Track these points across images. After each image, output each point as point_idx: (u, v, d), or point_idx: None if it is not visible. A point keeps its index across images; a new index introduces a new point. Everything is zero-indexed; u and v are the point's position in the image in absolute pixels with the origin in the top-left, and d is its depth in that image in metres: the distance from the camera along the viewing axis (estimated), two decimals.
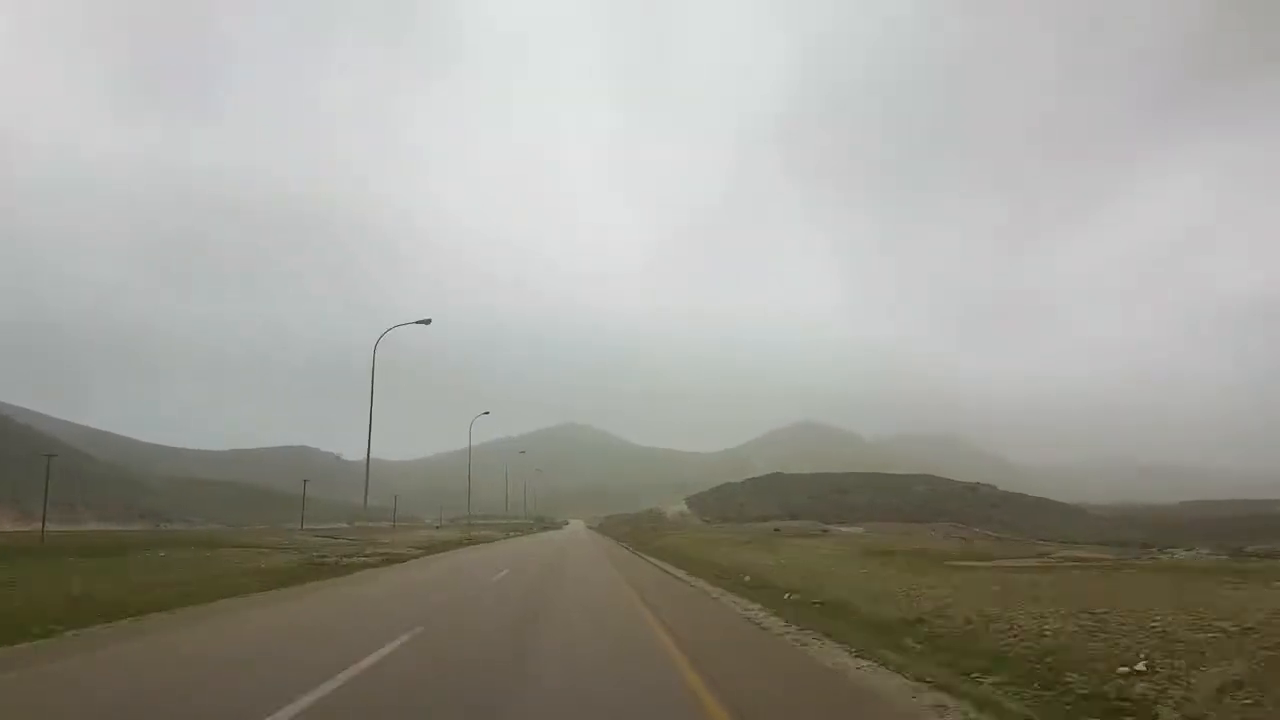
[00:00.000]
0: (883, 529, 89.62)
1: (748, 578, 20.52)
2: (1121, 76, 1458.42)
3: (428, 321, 37.39)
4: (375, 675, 8.04)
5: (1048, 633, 8.91)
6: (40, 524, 63.59)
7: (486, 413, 77.54)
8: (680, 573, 25.63)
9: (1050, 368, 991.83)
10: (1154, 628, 8.15)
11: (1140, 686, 6.82)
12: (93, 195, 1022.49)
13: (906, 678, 8.17)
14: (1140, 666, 7.17)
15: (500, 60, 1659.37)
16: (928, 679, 7.98)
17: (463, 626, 12.55)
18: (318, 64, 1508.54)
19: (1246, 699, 6.01)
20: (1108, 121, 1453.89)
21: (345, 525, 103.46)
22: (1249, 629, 7.50)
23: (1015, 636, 9.14)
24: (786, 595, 16.01)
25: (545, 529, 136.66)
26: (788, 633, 11.74)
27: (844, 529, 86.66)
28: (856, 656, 9.51)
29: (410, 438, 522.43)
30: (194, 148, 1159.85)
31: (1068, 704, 6.93)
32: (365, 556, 30.95)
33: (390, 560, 31.14)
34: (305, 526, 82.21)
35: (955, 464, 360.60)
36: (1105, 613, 9.15)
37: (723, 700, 6.97)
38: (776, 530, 62.91)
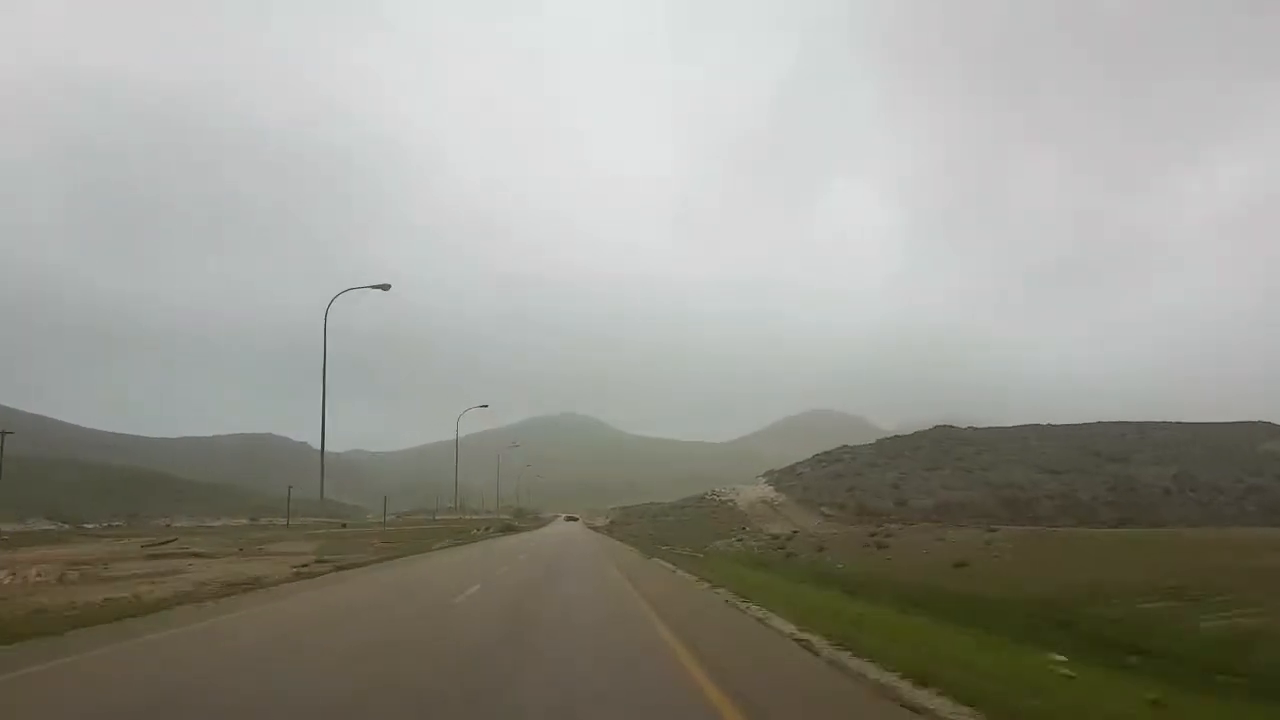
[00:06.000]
0: None
1: None
2: None
3: (386, 287, 31.73)
4: None
5: None
6: None
7: (484, 405, 67.60)
8: None
9: (1111, 340, 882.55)
10: None
11: None
12: None
13: None
14: None
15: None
16: None
17: None
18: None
19: None
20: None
21: (247, 521, 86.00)
22: None
23: None
24: None
25: (511, 530, 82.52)
26: None
27: None
28: None
29: (396, 428, 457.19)
30: (125, 69, 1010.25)
31: None
32: None
33: None
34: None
35: None
36: None
37: None
38: None
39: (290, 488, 75.90)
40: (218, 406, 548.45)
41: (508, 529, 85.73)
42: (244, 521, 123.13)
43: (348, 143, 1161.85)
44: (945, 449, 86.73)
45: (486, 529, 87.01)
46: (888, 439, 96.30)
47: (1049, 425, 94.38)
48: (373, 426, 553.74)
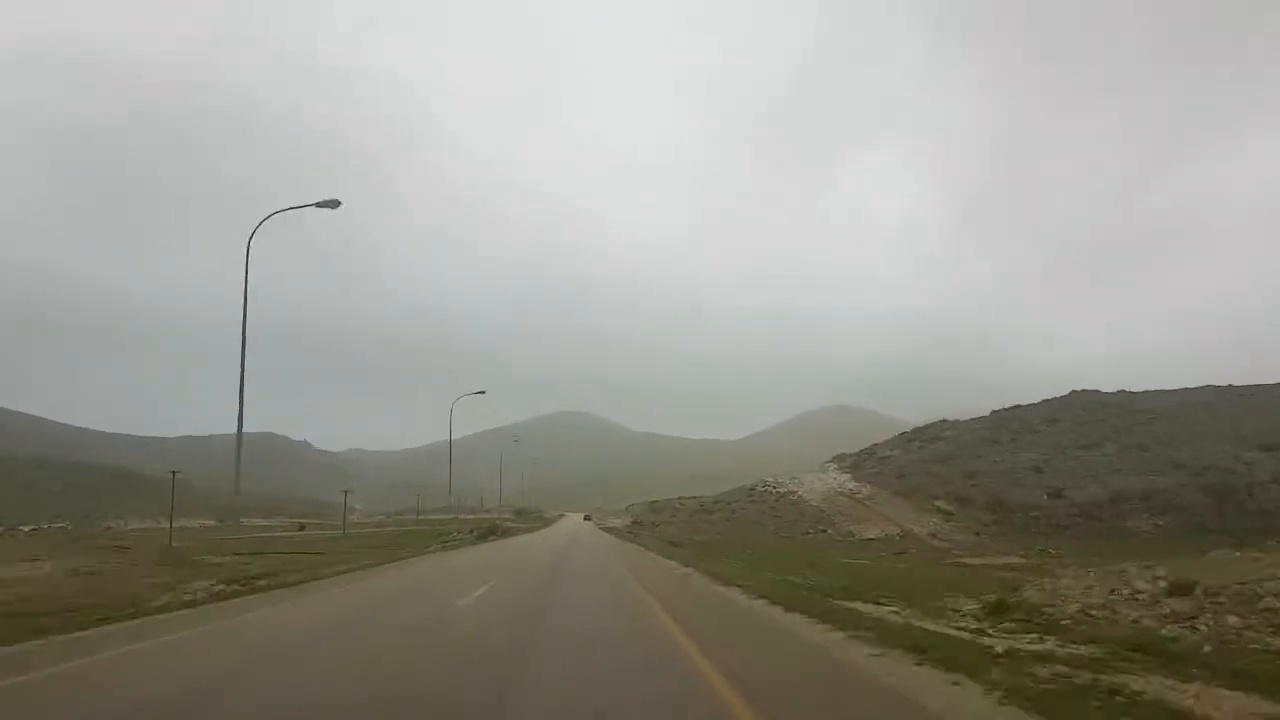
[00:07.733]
0: None
1: None
2: None
3: (334, 204, 26.50)
4: None
5: None
6: None
7: (481, 391, 62.01)
8: None
9: (1145, 330, 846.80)
10: None
11: None
12: None
13: None
14: None
15: None
16: None
17: None
18: None
19: None
20: None
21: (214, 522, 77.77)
22: None
23: None
24: None
25: (495, 533, 59.82)
26: None
27: None
28: None
29: (398, 427, 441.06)
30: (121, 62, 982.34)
31: None
32: None
33: None
34: None
35: None
36: None
37: None
38: None
39: (175, 473, 53.12)
40: (217, 405, 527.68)
41: (491, 531, 63.29)
42: (212, 522, 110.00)
43: (347, 133, 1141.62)
44: (1098, 418, 63.59)
45: (470, 531, 65.30)
46: (1005, 409, 73.05)
47: (1231, 386, 69.98)
48: (373, 425, 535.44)
